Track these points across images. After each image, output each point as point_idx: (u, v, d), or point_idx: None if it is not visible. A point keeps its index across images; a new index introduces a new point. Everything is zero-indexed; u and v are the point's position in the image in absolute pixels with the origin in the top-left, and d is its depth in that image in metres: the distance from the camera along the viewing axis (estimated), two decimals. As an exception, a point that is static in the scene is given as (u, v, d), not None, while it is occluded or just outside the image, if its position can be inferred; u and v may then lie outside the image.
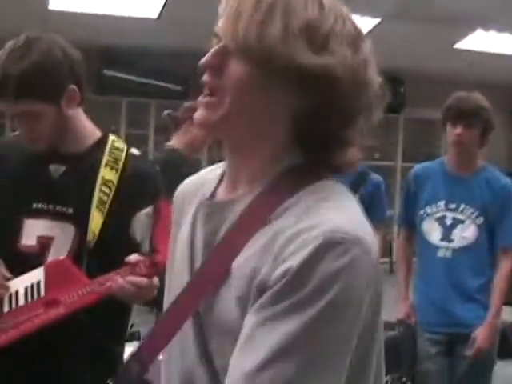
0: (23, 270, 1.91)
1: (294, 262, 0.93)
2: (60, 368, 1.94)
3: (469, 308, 3.14)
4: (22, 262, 1.93)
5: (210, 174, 1.21)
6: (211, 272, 1.06)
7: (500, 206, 3.16)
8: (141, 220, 2.00)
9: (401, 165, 9.79)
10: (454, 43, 7.93)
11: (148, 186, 2.02)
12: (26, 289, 1.88)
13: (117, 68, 8.50)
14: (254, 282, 0.98)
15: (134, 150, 2.08)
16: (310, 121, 1.04)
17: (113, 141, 2.06)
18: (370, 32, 7.42)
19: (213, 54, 1.06)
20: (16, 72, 1.85)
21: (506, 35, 7.62)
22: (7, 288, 1.90)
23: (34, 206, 1.97)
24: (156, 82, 8.49)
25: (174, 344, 1.09)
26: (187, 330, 1.07)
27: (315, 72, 1.00)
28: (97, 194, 1.96)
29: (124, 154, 2.03)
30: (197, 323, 1.07)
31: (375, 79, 1.07)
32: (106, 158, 2.01)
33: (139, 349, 1.11)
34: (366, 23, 7.28)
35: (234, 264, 1.02)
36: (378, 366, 1.05)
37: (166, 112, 4.22)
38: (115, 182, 1.99)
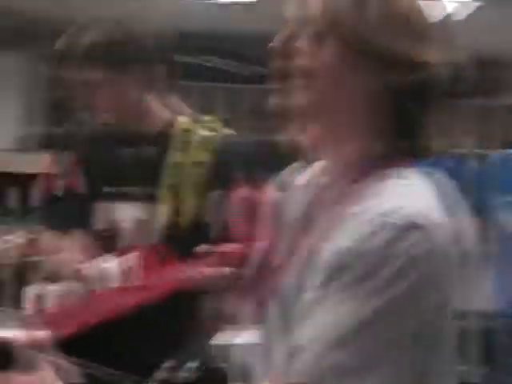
0: (110, 252, 1.97)
1: (374, 243, 0.95)
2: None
3: None
4: (109, 244, 2.00)
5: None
6: (302, 253, 1.08)
7: None
8: (212, 201, 2.03)
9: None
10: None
11: (230, 167, 2.04)
12: (121, 271, 1.94)
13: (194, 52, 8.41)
14: (335, 260, 0.99)
15: (213, 130, 2.10)
16: (400, 107, 1.06)
17: (184, 123, 2.09)
18: (471, 15, 7.05)
19: (306, 38, 1.07)
20: (80, 44, 1.95)
21: None
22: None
23: (107, 189, 2.03)
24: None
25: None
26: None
27: (411, 59, 1.03)
28: (167, 175, 2.00)
29: (194, 135, 2.05)
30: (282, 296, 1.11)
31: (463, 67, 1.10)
32: (176, 140, 2.03)
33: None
34: (466, 7, 6.89)
35: (324, 246, 1.03)
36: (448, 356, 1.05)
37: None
38: (204, 163, 2.04)
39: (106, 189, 2.06)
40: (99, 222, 2.06)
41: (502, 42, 7.93)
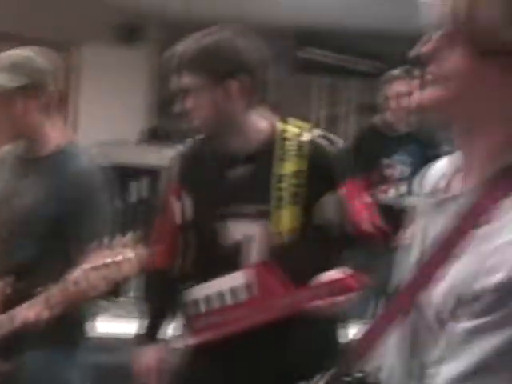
0: (224, 270, 2.04)
1: (498, 277, 0.89)
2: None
3: None
4: (226, 263, 2.05)
5: (452, 162, 1.16)
6: (426, 273, 1.02)
7: None
8: (330, 203, 2.05)
9: None
10: None
11: (331, 168, 2.05)
12: (238, 288, 2.02)
13: (313, 47, 8.41)
14: (456, 292, 0.94)
15: (314, 132, 2.10)
16: None
17: (286, 131, 2.08)
18: None
19: (434, 42, 1.03)
20: (184, 49, 2.00)
21: None
22: None
23: (225, 209, 2.06)
24: (352, 62, 8.32)
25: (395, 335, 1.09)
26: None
27: None
28: (278, 189, 2.01)
29: (300, 140, 2.05)
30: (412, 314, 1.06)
31: None
32: (280, 151, 2.04)
33: (357, 340, 1.10)
34: None
35: (443, 270, 0.98)
36: None
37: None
38: (297, 171, 2.02)
39: (220, 210, 2.07)
40: (223, 240, 2.07)
41: None
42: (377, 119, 4.50)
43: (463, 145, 1.07)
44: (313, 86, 8.62)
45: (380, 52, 7.58)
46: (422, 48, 1.04)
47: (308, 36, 8.28)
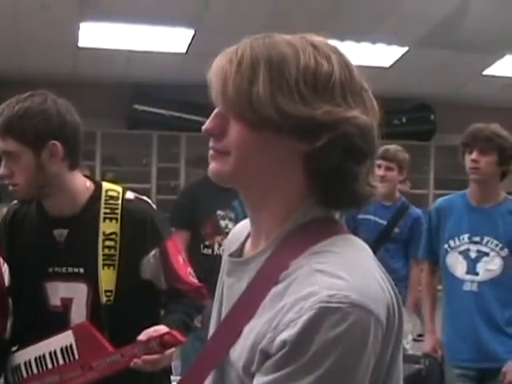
0: (51, 331, 2.04)
1: (291, 332, 0.94)
2: None
3: (499, 341, 3.10)
4: (49, 324, 2.06)
5: (246, 226, 1.22)
6: (226, 333, 1.08)
7: None
8: (150, 263, 2.10)
9: (433, 192, 9.73)
10: (483, 69, 7.90)
11: (148, 229, 2.10)
12: (61, 350, 2.01)
13: (147, 102, 8.60)
14: (258, 347, 0.99)
15: (129, 194, 2.15)
16: (318, 163, 1.04)
17: (107, 191, 2.13)
18: (398, 61, 7.45)
19: (212, 119, 1.08)
20: (3, 113, 1.99)
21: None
22: None
23: (50, 270, 2.07)
24: (186, 116, 8.56)
25: None
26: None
27: (314, 122, 1.01)
28: (100, 250, 2.05)
29: (120, 202, 2.10)
30: (219, 370, 1.09)
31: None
32: (102, 211, 2.09)
33: None
34: (393, 52, 7.31)
35: (246, 327, 1.03)
36: None
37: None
38: (118, 232, 2.07)
39: (42, 272, 2.07)
40: (50, 300, 2.09)
41: (431, 85, 8.31)
42: None
43: (251, 211, 1.12)
44: (147, 140, 8.72)
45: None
46: (204, 126, 1.08)
47: (144, 91, 8.44)
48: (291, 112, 1.01)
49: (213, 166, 1.09)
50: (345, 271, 0.98)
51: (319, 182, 1.06)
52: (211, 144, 1.08)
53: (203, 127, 1.08)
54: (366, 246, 1.08)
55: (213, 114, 1.08)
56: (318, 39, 1.07)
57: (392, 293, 1.02)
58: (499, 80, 8.12)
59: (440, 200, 3.43)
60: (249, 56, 1.03)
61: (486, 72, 7.97)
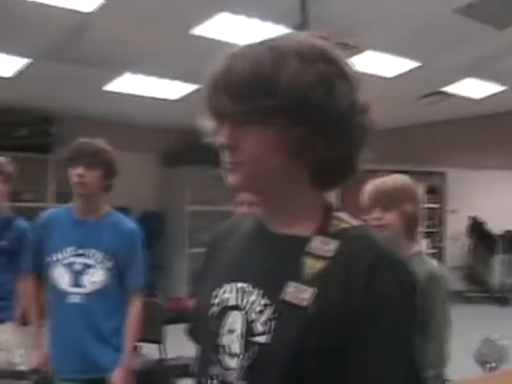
0: None
1: None
2: None
3: (104, 351, 3.23)
4: None
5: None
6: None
7: (127, 251, 3.30)
8: None
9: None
10: (104, 85, 8.11)
11: None
12: None
13: None
14: None
15: None
16: None
17: None
18: (21, 72, 7.29)
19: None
20: None
21: (152, 79, 8.01)
22: None
23: None
24: None
25: None
26: None
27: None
28: None
29: None
30: None
31: None
32: None
33: None
34: (15, 63, 7.14)
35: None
36: None
37: None
38: None
39: None
40: None
41: (54, 98, 8.30)
42: None
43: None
44: None
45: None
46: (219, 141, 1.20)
47: None
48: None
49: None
50: None
51: None
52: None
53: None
54: None
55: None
56: None
57: None
58: (120, 96, 8.40)
59: (45, 213, 3.46)
60: None
61: (107, 88, 8.19)
